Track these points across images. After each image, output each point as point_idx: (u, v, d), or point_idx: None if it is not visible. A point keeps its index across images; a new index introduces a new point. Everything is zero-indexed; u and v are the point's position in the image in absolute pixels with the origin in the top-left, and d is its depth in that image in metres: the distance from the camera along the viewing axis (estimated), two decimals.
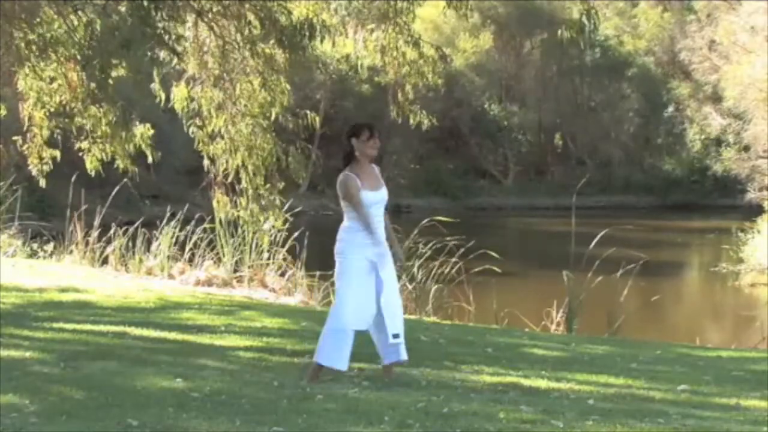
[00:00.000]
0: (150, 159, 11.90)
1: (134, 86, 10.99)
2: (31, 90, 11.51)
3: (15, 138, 12.19)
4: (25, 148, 12.03)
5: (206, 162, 12.21)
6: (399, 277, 6.96)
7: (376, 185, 6.67)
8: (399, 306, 6.81)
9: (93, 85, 10.36)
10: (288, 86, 11.84)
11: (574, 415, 5.77)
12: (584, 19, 10.17)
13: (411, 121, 12.10)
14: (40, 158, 11.96)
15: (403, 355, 6.72)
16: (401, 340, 6.67)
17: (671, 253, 29.63)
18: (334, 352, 6.54)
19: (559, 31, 10.71)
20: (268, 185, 11.95)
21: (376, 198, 6.65)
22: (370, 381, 6.57)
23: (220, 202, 12.31)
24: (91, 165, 11.86)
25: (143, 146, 11.83)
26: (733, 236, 27.16)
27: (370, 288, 6.59)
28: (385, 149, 43.80)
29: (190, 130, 12.14)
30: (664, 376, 7.49)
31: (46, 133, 11.77)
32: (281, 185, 12.05)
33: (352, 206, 6.61)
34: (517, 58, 49.95)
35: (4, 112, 12.26)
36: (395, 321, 6.66)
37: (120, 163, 11.84)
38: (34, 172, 12.21)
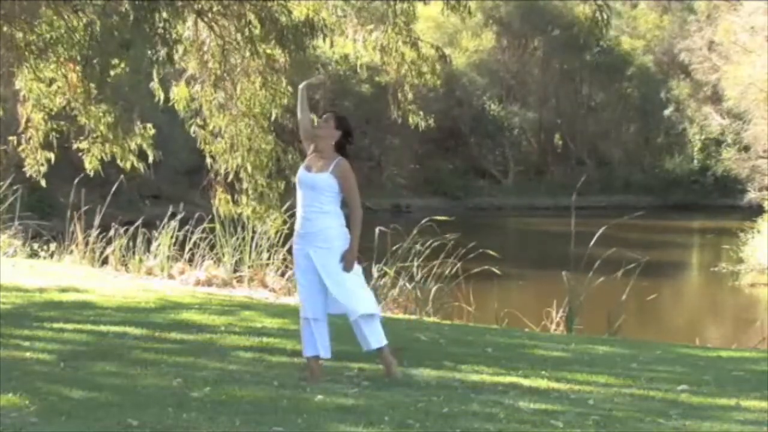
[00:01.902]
0: (151, 158, 11.91)
1: (134, 86, 11.00)
2: (31, 92, 11.51)
3: (11, 138, 12.18)
4: (21, 149, 12.03)
5: (209, 161, 12.22)
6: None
7: (317, 168, 6.63)
8: (350, 290, 6.57)
9: (92, 85, 10.36)
10: (290, 87, 11.85)
11: (574, 415, 5.77)
12: (597, 14, 10.23)
13: (410, 121, 12.11)
14: (37, 160, 11.96)
15: (381, 341, 6.65)
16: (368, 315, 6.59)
17: (671, 253, 29.63)
18: (304, 341, 6.67)
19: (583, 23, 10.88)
20: (267, 184, 11.96)
21: (306, 179, 6.63)
22: (370, 381, 6.57)
23: (221, 200, 12.32)
24: (90, 165, 11.86)
25: (145, 146, 11.83)
26: (733, 236, 27.17)
27: (311, 274, 6.60)
28: (384, 149, 43.87)
29: (191, 129, 12.15)
30: (664, 376, 7.49)
31: (42, 135, 11.77)
32: (282, 184, 12.06)
33: None
34: (519, 58, 49.96)
35: (0, 113, 12.26)
36: (351, 304, 6.54)
37: (125, 163, 11.84)
38: (28, 174, 12.21)
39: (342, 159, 6.65)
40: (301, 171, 6.71)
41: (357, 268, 6.67)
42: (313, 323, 6.62)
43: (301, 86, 7.05)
